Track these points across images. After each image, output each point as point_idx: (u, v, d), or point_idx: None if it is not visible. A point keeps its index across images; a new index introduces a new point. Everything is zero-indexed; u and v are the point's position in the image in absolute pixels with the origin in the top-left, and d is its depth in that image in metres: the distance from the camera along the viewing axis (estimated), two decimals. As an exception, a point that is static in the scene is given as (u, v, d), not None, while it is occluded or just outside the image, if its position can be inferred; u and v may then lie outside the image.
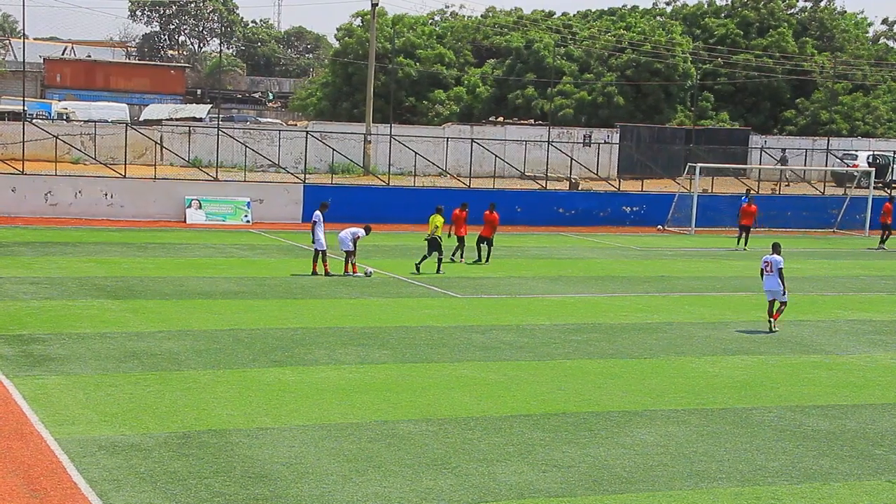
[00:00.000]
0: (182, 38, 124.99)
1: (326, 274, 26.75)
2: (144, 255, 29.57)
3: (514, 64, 73.99)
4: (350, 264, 26.97)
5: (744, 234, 38.35)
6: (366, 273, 26.83)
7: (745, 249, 37.61)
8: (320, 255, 26.93)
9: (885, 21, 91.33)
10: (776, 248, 21.89)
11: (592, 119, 68.80)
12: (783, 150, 60.80)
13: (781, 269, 21.32)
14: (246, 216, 39.77)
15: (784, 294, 21.39)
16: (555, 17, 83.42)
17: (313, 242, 26.98)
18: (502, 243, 37.11)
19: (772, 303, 21.60)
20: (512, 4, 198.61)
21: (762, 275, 21.76)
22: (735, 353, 19.11)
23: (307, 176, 44.44)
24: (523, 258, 32.75)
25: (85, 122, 58.29)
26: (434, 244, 28.95)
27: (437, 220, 29.34)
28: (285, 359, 17.19)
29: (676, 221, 45.11)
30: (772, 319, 21.49)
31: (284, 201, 40.92)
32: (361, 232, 26.94)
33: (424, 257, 28.76)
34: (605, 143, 61.68)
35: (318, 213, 27.47)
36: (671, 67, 70.04)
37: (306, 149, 45.72)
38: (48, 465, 11.61)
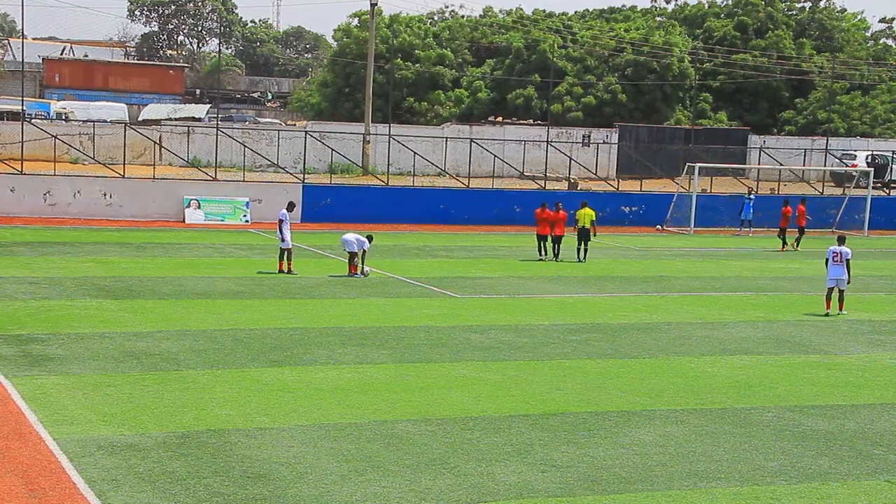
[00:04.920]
0: (181, 38, 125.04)
1: (289, 272, 26.75)
2: (143, 254, 29.57)
3: (514, 64, 74.01)
4: (352, 265, 26.97)
5: (798, 235, 39.27)
6: (363, 273, 26.82)
7: (796, 249, 38.67)
8: (285, 253, 26.94)
9: (883, 19, 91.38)
10: (842, 240, 23.94)
11: (596, 119, 68.88)
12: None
13: (850, 259, 23.43)
14: (245, 216, 39.78)
15: (847, 282, 23.51)
16: (554, 17, 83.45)
17: (281, 241, 26.92)
18: (502, 243, 37.16)
19: (831, 290, 23.63)
20: (512, 4, 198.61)
21: (827, 264, 23.66)
22: (734, 353, 19.11)
23: (306, 176, 44.46)
24: (522, 258, 32.74)
25: (84, 122, 58.34)
26: (585, 234, 32.11)
27: (589, 212, 32.39)
28: (284, 359, 17.18)
29: (675, 221, 45.14)
30: (842, 311, 23.63)
31: (283, 201, 40.77)
32: (367, 244, 26.91)
33: (579, 248, 32.27)
34: (604, 142, 61.69)
35: (284, 211, 27.49)
36: (665, 67, 70.05)
37: (305, 149, 45.74)
38: (47, 465, 11.60)
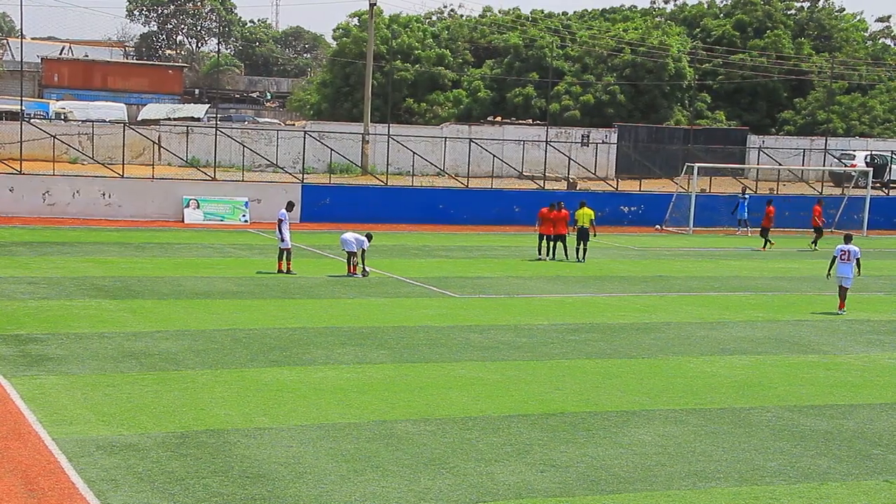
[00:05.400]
0: (180, 38, 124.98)
1: (288, 272, 26.75)
2: (142, 254, 29.57)
3: (513, 62, 74.00)
4: (352, 265, 26.94)
5: (815, 236, 39.59)
6: (363, 273, 26.78)
7: (814, 248, 39.02)
8: (285, 253, 26.93)
9: (880, 19, 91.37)
10: (849, 239, 24.59)
11: (596, 119, 68.90)
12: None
13: (859, 258, 24.07)
14: (244, 216, 39.77)
15: (852, 280, 24.06)
16: (553, 17, 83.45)
17: (280, 241, 26.92)
18: (501, 243, 37.17)
19: (840, 288, 24.23)
20: (511, 4, 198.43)
21: (833, 262, 24.28)
22: (733, 353, 19.12)
23: (305, 176, 44.46)
24: (521, 258, 32.77)
25: (83, 121, 58.30)
26: (584, 234, 32.33)
27: (588, 212, 32.59)
28: (283, 359, 17.18)
29: (675, 221, 45.15)
30: (840, 307, 24.11)
31: (282, 201, 40.75)
32: (367, 243, 26.86)
33: (578, 248, 32.48)
34: (603, 142, 61.69)
35: (283, 211, 27.47)
36: (660, 67, 70.05)
37: (304, 148, 45.74)
38: (46, 465, 11.60)
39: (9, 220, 36.24)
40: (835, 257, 24.29)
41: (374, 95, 59.36)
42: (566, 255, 32.51)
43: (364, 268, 26.81)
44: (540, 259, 32.31)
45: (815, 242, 39.76)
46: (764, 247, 38.67)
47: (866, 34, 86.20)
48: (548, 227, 32.42)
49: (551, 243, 32.52)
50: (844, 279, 24.03)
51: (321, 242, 34.05)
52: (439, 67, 74.50)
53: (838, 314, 23.91)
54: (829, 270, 24.50)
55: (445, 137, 54.73)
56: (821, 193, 51.49)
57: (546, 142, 50.34)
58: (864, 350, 20.04)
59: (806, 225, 46.63)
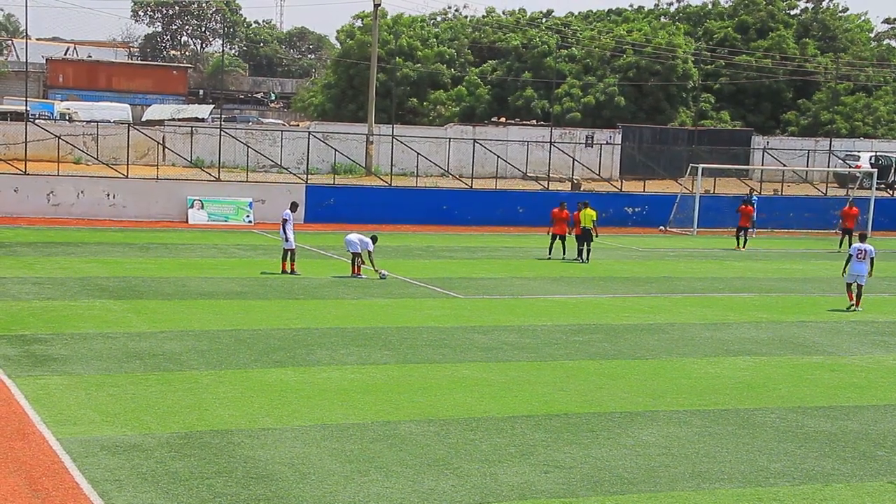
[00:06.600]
0: (184, 39, 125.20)
1: (292, 272, 26.76)
2: (146, 255, 29.59)
3: (513, 64, 74.01)
4: (356, 266, 26.92)
5: (846, 237, 38.67)
6: (380, 275, 26.67)
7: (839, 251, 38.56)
8: (289, 254, 26.95)
9: (886, 20, 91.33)
10: (864, 238, 25.65)
11: (597, 120, 68.85)
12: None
13: (874, 257, 24.80)
14: (248, 216, 39.78)
15: (866, 278, 24.59)
16: (555, 16, 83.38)
17: (284, 241, 26.94)
18: (505, 244, 37.16)
19: (850, 286, 24.74)
20: (515, 5, 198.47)
21: (849, 260, 24.72)
22: (737, 354, 19.10)
23: (309, 176, 44.47)
24: (525, 259, 32.77)
25: (87, 122, 58.34)
26: (587, 235, 32.06)
27: (590, 213, 32.33)
28: (287, 359, 17.19)
29: (679, 222, 45.10)
30: (856, 306, 24.54)
31: (286, 201, 40.77)
32: (371, 244, 26.79)
33: (581, 249, 32.20)
34: (608, 143, 61.62)
35: (287, 212, 27.48)
36: (668, 69, 70.00)
37: (308, 149, 45.77)
38: (50, 466, 11.62)
39: (13, 221, 36.30)
40: (850, 255, 24.72)
41: (378, 96, 59.35)
42: (586, 253, 32.49)
43: (377, 269, 26.67)
44: (550, 258, 32.42)
45: (840, 244, 39.26)
46: (742, 246, 38.47)
47: (871, 35, 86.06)
48: (560, 226, 32.53)
49: (580, 245, 32.55)
50: (860, 277, 24.45)
51: (325, 243, 34.06)
52: (439, 65, 74.42)
53: (852, 311, 24.29)
54: (845, 268, 24.79)
55: (449, 138, 54.70)
56: (825, 194, 51.47)
57: (550, 143, 50.31)
58: (868, 351, 20.01)
59: (809, 226, 46.69)
